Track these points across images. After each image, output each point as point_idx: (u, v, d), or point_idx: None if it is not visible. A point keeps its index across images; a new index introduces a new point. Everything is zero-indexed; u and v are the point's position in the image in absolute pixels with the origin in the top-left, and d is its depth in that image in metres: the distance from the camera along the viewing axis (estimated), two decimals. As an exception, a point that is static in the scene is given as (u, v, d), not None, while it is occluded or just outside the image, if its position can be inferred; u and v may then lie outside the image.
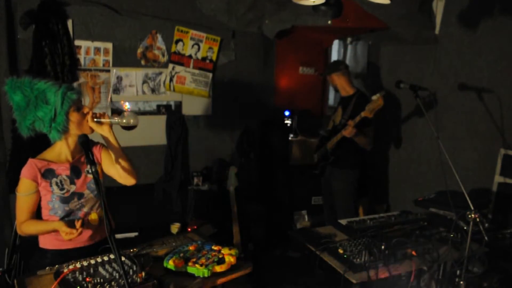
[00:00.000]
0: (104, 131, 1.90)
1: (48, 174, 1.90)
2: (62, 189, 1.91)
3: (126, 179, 2.01)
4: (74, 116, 1.87)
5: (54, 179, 1.91)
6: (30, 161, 1.90)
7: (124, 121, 1.89)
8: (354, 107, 3.37)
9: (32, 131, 1.87)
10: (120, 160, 1.96)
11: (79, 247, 1.98)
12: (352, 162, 3.49)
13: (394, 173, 4.46)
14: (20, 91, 1.82)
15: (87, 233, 1.99)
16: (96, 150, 2.08)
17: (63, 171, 1.94)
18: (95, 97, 3.63)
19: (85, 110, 1.91)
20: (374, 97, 3.05)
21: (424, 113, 2.60)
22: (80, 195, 1.96)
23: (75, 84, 3.50)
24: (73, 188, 1.95)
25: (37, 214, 1.95)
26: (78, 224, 1.75)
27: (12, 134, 3.15)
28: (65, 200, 1.91)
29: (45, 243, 1.97)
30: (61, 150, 1.97)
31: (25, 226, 1.88)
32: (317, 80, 4.83)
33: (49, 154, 1.96)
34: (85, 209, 1.97)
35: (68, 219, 1.92)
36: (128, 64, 3.72)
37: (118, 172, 1.99)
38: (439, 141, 2.54)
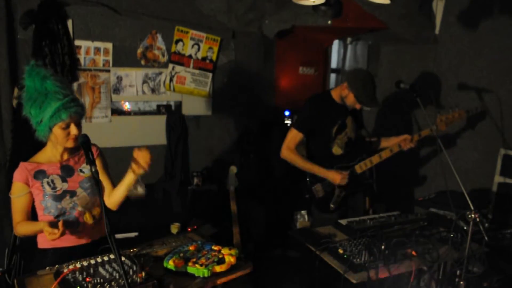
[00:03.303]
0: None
1: (39, 175, 1.93)
2: (53, 188, 1.94)
3: (110, 204, 2.08)
4: (57, 131, 1.88)
5: (46, 179, 1.94)
6: (21, 164, 1.95)
7: (134, 191, 1.97)
8: (357, 111, 3.00)
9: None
10: (118, 199, 2.04)
11: (77, 245, 2.00)
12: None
13: (394, 173, 4.46)
14: (32, 79, 1.84)
15: (84, 232, 2.01)
16: (92, 151, 2.09)
17: (54, 170, 1.97)
18: (95, 97, 3.63)
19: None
20: (454, 111, 2.84)
21: (424, 113, 2.61)
22: (72, 193, 1.97)
23: (75, 84, 3.49)
24: (65, 186, 1.97)
25: (34, 217, 1.98)
26: (60, 224, 1.75)
27: (12, 134, 3.15)
28: (57, 198, 1.93)
29: (43, 242, 2.00)
30: (51, 153, 2.00)
31: (19, 227, 1.92)
32: (317, 80, 4.83)
33: (40, 156, 2.00)
34: (79, 208, 1.98)
35: (63, 218, 1.93)
36: (128, 64, 3.72)
37: (108, 196, 2.08)
38: (439, 141, 2.55)
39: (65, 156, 2.02)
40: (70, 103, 1.85)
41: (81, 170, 2.02)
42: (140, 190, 1.96)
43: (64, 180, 1.97)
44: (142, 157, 1.85)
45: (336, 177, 2.82)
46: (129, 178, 1.93)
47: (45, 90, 1.83)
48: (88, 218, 2.01)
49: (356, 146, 3.01)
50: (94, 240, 2.06)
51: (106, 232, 1.50)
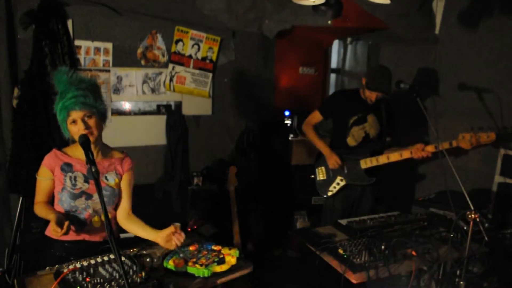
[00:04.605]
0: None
1: (66, 167, 1.98)
2: (74, 184, 1.97)
3: (121, 224, 2.14)
4: (70, 128, 1.92)
5: (69, 174, 1.97)
6: (54, 151, 2.00)
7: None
8: (387, 115, 3.12)
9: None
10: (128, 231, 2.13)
11: (80, 241, 2.01)
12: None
13: (394, 173, 4.46)
14: (57, 84, 1.93)
15: (90, 231, 2.03)
16: (124, 164, 2.14)
17: (81, 168, 2.00)
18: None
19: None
20: (483, 132, 2.75)
21: (424, 113, 2.61)
22: (89, 196, 1.99)
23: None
24: (85, 186, 1.99)
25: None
26: (65, 225, 1.76)
27: (12, 134, 3.15)
28: (73, 196, 1.96)
29: (49, 231, 2.02)
30: (81, 150, 2.00)
31: (37, 207, 1.98)
32: (317, 80, 4.83)
33: (72, 150, 2.05)
34: (90, 211, 2.00)
35: (73, 214, 1.96)
36: (128, 64, 3.72)
37: (124, 218, 2.12)
38: (439, 141, 2.55)
39: (96, 157, 2.03)
40: (71, 99, 1.87)
41: (106, 177, 2.05)
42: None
43: (86, 180, 1.99)
44: (178, 239, 1.93)
45: (330, 157, 3.05)
46: (151, 238, 2.01)
47: (61, 91, 1.91)
48: (96, 222, 2.02)
49: (373, 145, 3.11)
50: (100, 241, 2.07)
51: (106, 232, 1.50)
